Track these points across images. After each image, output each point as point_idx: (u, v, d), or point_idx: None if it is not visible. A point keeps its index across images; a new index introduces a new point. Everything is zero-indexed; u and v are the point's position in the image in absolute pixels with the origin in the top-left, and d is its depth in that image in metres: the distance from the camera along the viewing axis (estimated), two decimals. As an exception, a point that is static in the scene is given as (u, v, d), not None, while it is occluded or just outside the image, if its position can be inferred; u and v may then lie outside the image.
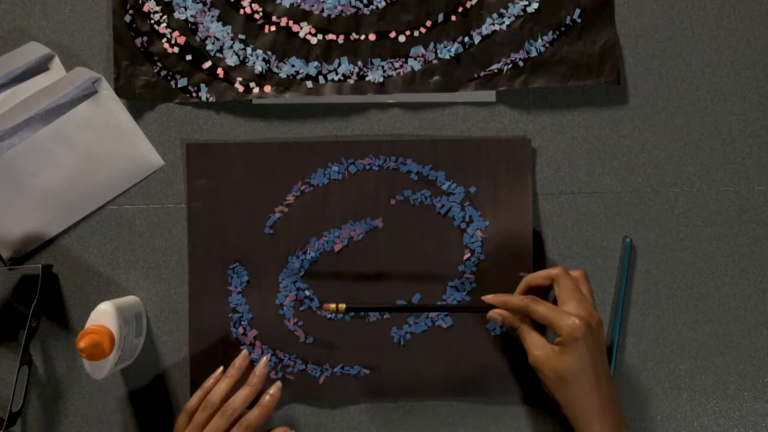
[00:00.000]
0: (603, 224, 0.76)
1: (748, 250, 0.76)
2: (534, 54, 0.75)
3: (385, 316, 0.74)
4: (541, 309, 0.65)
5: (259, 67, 0.74)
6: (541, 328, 0.67)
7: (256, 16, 0.75)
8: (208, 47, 0.74)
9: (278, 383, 0.68)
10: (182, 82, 0.74)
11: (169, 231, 0.74)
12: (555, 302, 0.67)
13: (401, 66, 0.75)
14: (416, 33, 0.75)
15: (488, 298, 0.68)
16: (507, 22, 0.75)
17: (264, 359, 0.69)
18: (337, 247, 0.74)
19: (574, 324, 0.63)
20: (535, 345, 0.65)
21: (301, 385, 0.74)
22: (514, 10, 0.75)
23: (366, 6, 0.75)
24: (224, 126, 0.75)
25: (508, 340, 0.74)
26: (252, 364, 0.72)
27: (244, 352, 0.70)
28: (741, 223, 0.76)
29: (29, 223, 0.73)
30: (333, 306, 0.68)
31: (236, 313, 0.74)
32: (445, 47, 0.75)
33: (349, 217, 0.74)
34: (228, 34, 0.74)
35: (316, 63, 0.74)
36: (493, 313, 0.68)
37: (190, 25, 0.74)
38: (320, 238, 0.74)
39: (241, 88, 0.74)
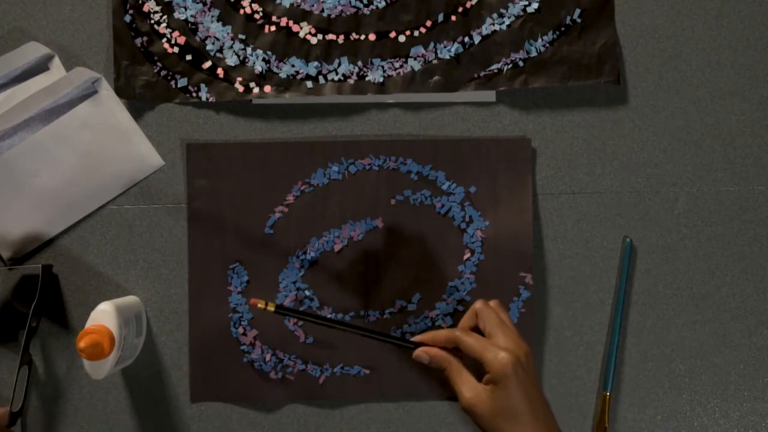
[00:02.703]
0: (603, 224, 0.76)
1: (748, 250, 0.76)
2: (534, 54, 0.75)
3: (384, 317, 0.74)
4: (469, 341, 0.61)
5: (259, 67, 0.74)
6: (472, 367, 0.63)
7: (256, 16, 0.75)
8: (208, 47, 0.74)
9: None
10: (182, 82, 0.74)
11: (169, 231, 0.74)
12: None
13: (401, 66, 0.75)
14: (416, 33, 0.75)
15: (416, 338, 0.65)
16: (507, 22, 0.75)
17: None
18: (337, 247, 0.74)
19: (503, 360, 0.59)
20: (466, 387, 0.61)
21: (301, 385, 0.74)
22: (514, 10, 0.75)
23: (366, 6, 0.75)
24: (224, 126, 0.75)
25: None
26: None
27: None
28: (741, 223, 0.76)
29: (29, 223, 0.73)
30: (262, 304, 0.62)
31: (236, 313, 0.74)
32: (445, 47, 0.75)
33: (349, 217, 0.74)
34: (228, 34, 0.74)
35: (316, 63, 0.74)
36: (419, 352, 0.64)
37: (190, 25, 0.74)
38: (320, 238, 0.74)
39: (241, 88, 0.74)
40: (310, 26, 0.75)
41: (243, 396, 0.74)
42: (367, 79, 0.75)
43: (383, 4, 0.75)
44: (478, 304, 0.64)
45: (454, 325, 0.74)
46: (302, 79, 0.74)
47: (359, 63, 0.75)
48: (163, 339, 0.74)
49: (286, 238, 0.74)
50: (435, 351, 0.63)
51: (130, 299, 0.73)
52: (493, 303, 0.65)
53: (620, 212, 0.76)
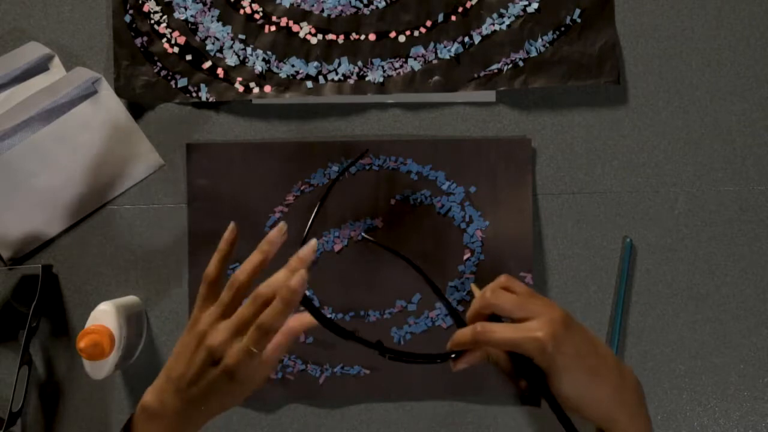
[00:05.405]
0: (603, 224, 0.76)
1: (748, 250, 0.76)
2: (534, 54, 0.75)
3: (384, 317, 0.74)
4: (497, 333, 0.50)
5: (259, 67, 0.74)
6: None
7: (256, 16, 0.75)
8: (208, 47, 0.74)
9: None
10: (182, 82, 0.74)
11: (169, 231, 0.74)
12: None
13: (401, 66, 0.75)
14: (416, 33, 0.75)
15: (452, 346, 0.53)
16: (507, 22, 0.75)
17: (313, 242, 0.55)
18: (337, 247, 0.74)
19: (539, 337, 0.49)
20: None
21: (301, 385, 0.73)
22: (514, 10, 0.75)
23: (366, 6, 0.75)
24: (224, 126, 0.75)
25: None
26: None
27: (281, 225, 0.56)
28: (741, 223, 0.76)
29: (29, 223, 0.73)
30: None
31: (236, 313, 0.73)
32: (445, 47, 0.75)
33: (349, 217, 0.74)
34: (228, 34, 0.74)
35: (316, 63, 0.74)
36: (461, 364, 0.53)
37: (190, 25, 0.74)
38: (320, 238, 0.74)
39: (241, 88, 0.74)
40: (310, 26, 0.75)
41: (243, 396, 0.73)
42: (367, 79, 0.75)
43: (383, 4, 0.75)
44: (486, 291, 0.53)
45: (452, 326, 0.74)
46: (302, 79, 0.74)
47: (359, 63, 0.75)
48: (163, 339, 0.74)
49: (286, 238, 0.74)
50: (497, 353, 0.53)
51: (130, 299, 0.73)
52: (502, 279, 0.54)
53: (620, 212, 0.76)
